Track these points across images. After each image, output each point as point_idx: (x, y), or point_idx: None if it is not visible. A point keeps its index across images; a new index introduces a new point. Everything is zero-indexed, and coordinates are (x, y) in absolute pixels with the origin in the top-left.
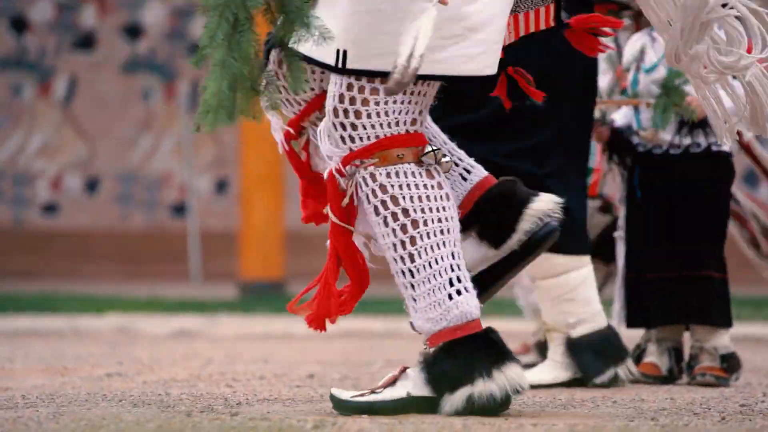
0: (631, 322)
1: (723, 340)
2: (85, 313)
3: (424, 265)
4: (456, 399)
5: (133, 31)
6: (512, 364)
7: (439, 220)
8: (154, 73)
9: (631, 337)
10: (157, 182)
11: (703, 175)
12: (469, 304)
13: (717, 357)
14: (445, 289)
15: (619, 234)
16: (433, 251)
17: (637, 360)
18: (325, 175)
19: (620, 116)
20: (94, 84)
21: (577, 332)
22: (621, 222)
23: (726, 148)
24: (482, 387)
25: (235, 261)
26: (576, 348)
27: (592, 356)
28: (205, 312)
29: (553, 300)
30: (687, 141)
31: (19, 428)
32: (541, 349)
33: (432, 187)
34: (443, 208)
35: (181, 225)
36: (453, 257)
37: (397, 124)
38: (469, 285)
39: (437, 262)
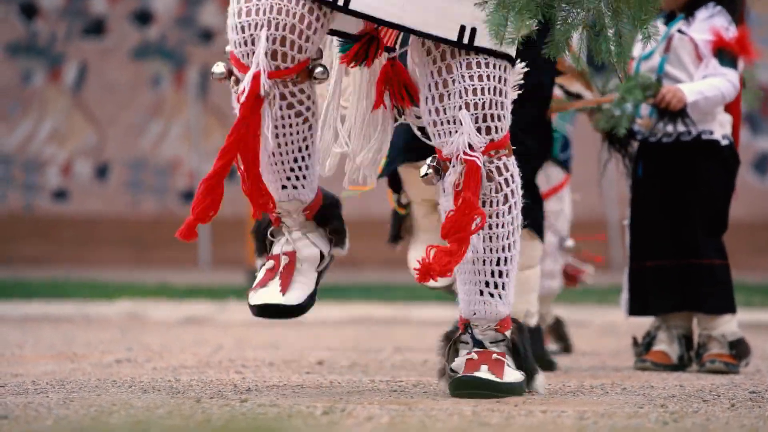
0: (632, 311)
1: (730, 326)
2: (95, 299)
3: (516, 255)
4: (539, 381)
5: (143, 18)
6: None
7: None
8: (164, 60)
9: (640, 323)
10: (167, 168)
11: (696, 163)
12: None
13: (725, 344)
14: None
15: (626, 222)
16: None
17: (647, 348)
18: (457, 161)
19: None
20: (104, 70)
21: (532, 323)
22: (627, 211)
23: (717, 136)
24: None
25: (245, 247)
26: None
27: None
28: (214, 298)
29: (522, 288)
30: (681, 128)
31: (29, 414)
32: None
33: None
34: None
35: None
36: None
37: None
38: None
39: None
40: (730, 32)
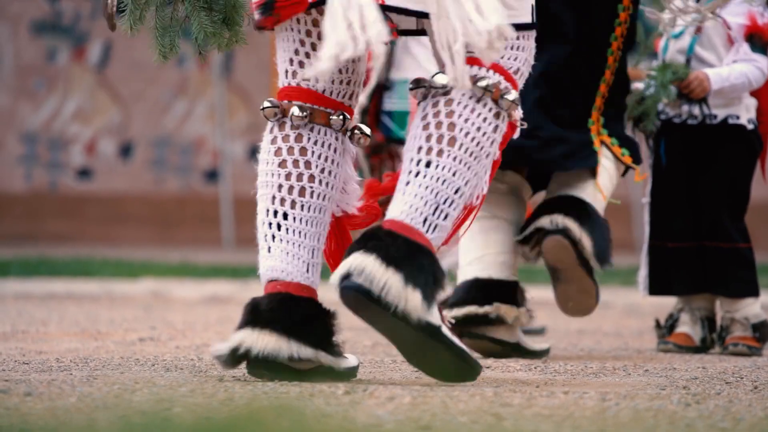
0: (653, 290)
1: (753, 309)
2: (119, 277)
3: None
4: None
5: None
6: None
7: None
8: (188, 39)
9: (663, 305)
10: (191, 147)
11: (720, 147)
12: None
13: (749, 326)
14: None
15: (645, 200)
16: None
17: (670, 330)
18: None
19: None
20: (128, 49)
21: None
22: (647, 189)
23: (743, 120)
24: None
25: None
26: None
27: None
28: (237, 277)
29: None
30: (706, 111)
31: (53, 391)
32: None
33: None
34: None
35: (214, 190)
36: None
37: None
38: None
39: None
40: (766, 18)
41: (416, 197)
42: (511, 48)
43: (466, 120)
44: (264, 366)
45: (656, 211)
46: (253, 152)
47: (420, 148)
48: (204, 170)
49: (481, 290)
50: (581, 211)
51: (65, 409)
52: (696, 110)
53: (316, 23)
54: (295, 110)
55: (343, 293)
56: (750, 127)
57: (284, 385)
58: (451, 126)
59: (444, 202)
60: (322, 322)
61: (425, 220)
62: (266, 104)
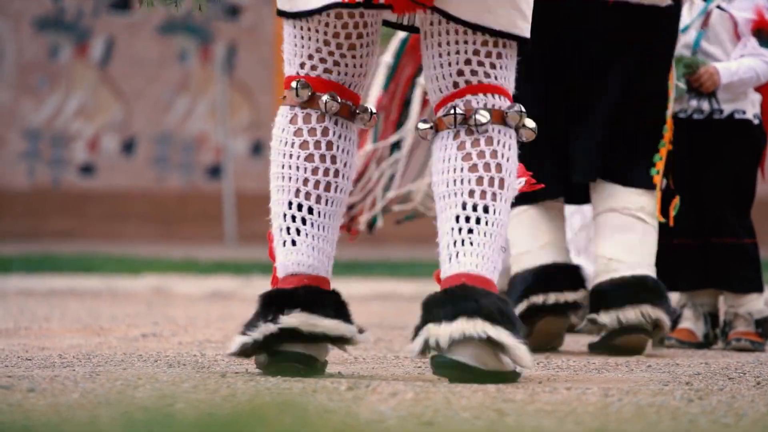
0: None
1: (757, 304)
2: (122, 273)
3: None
4: None
5: None
6: None
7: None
8: (190, 35)
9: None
10: (194, 144)
11: (726, 142)
12: None
13: (752, 322)
14: None
15: None
16: None
17: (673, 325)
18: None
19: None
20: (130, 46)
21: None
22: None
23: (749, 115)
24: None
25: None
26: None
27: None
28: (240, 273)
29: None
30: (705, 107)
31: (55, 387)
32: None
33: None
34: None
35: (216, 187)
36: None
37: None
38: None
39: None
40: None
41: (485, 247)
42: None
43: (508, 159)
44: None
45: (660, 207)
46: (256, 149)
47: (472, 192)
48: (206, 167)
49: (568, 276)
50: (661, 294)
51: (68, 405)
52: (705, 105)
53: (346, 26)
54: (328, 101)
55: (450, 369)
56: (756, 122)
57: (287, 381)
58: (498, 168)
59: (502, 246)
60: (348, 311)
61: (494, 268)
62: (299, 90)
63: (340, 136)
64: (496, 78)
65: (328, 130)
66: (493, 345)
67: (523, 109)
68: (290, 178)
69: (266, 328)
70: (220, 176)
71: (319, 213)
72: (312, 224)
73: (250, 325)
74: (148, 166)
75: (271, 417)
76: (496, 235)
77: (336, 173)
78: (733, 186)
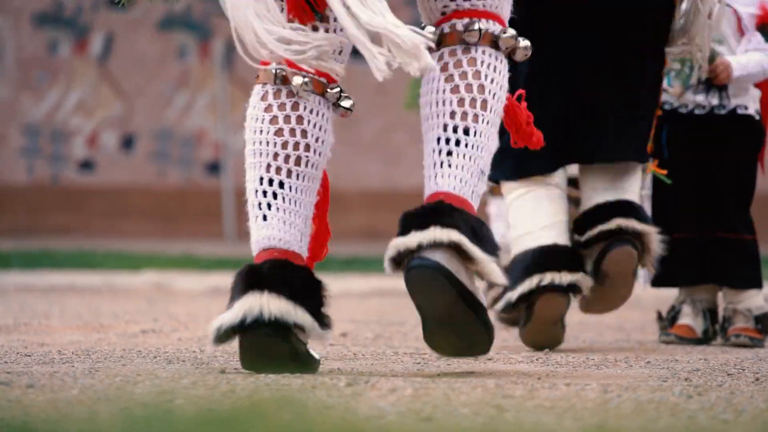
0: (656, 282)
1: (756, 300)
2: (121, 269)
3: None
4: None
5: None
6: None
7: None
8: (190, 32)
9: (665, 297)
10: (193, 140)
11: (727, 137)
12: None
13: (751, 318)
14: None
15: (646, 192)
16: None
17: (672, 321)
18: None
19: None
20: (130, 42)
21: None
22: (648, 180)
23: (751, 111)
24: None
25: None
26: None
27: None
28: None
29: None
30: (714, 101)
31: (55, 383)
32: None
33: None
34: None
35: (216, 183)
36: None
37: None
38: None
39: None
40: None
41: (464, 169)
42: None
43: (492, 80)
44: (271, 332)
45: (659, 202)
46: None
47: (453, 114)
48: (206, 163)
49: (568, 257)
50: (644, 218)
51: (67, 401)
52: (714, 99)
53: None
54: (297, 78)
55: (420, 269)
56: (757, 117)
57: (286, 377)
58: (481, 88)
59: (483, 170)
60: (318, 293)
61: (473, 191)
62: (267, 69)
63: (311, 111)
64: (484, 5)
65: (299, 105)
66: (463, 257)
67: (518, 36)
68: (261, 153)
69: (236, 310)
70: (220, 172)
71: (290, 187)
72: (284, 199)
73: (227, 309)
74: (147, 162)
75: (270, 413)
76: (477, 158)
77: (307, 147)
78: (735, 181)
